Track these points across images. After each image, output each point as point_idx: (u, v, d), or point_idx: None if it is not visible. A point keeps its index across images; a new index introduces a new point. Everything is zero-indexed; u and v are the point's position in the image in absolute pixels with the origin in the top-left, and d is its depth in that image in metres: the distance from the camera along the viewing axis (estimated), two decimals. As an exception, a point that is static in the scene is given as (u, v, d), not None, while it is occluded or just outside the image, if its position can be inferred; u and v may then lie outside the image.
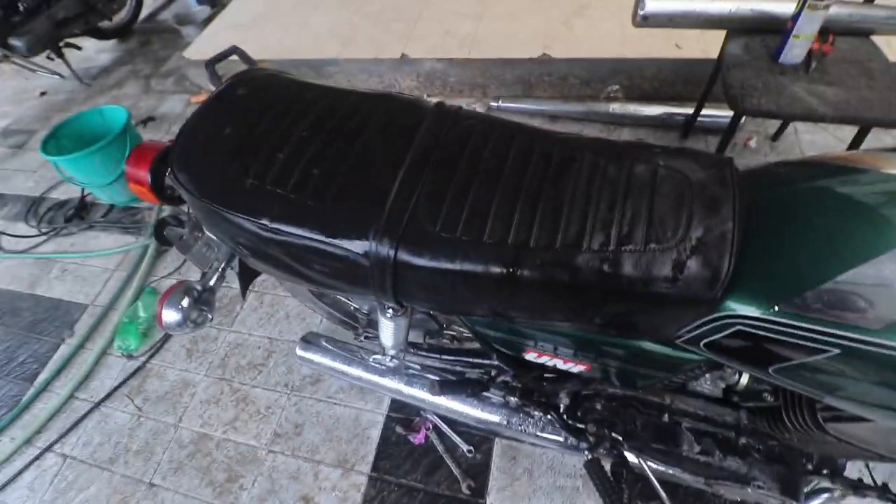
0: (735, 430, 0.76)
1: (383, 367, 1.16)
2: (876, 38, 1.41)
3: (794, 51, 1.33)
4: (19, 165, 2.53)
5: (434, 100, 0.71)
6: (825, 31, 1.30)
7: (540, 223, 0.55)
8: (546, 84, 2.10)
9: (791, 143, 1.91)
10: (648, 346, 0.62)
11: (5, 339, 1.81)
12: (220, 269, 0.82)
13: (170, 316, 0.75)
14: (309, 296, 1.21)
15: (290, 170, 0.63)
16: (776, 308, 0.48)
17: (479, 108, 2.18)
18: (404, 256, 0.57)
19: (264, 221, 0.61)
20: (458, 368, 1.03)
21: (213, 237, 0.85)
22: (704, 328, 0.53)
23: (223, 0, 3.07)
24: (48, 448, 1.51)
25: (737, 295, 0.50)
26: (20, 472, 1.48)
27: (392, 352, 0.94)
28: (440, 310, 0.65)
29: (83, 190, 2.17)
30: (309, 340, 1.26)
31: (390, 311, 0.72)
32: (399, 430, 1.35)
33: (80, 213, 2.15)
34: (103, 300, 1.82)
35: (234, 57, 0.97)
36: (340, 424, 1.40)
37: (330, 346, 1.23)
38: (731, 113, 1.34)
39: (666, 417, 0.79)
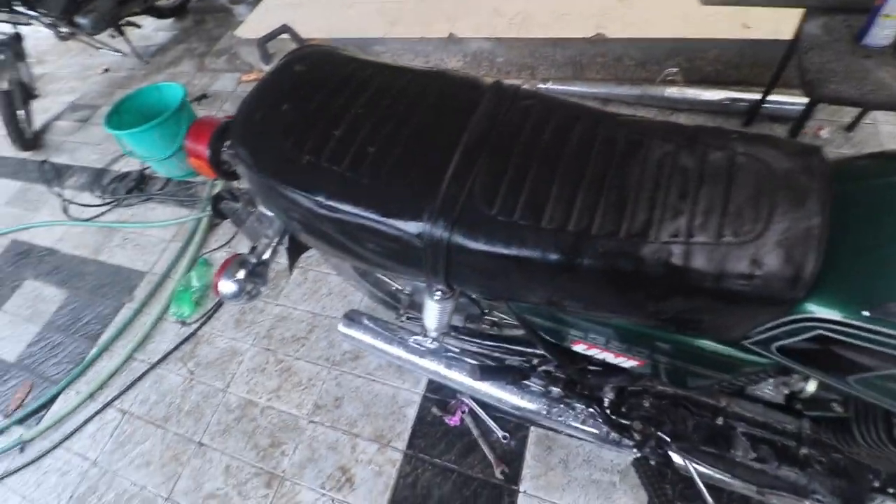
0: (796, 440, 0.72)
1: (423, 349, 1.18)
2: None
3: (882, 31, 1.21)
4: (85, 138, 2.68)
5: (491, 79, 0.69)
6: (922, 10, 1.17)
7: (603, 210, 0.53)
8: (599, 65, 2.01)
9: (868, 135, 1.76)
10: (711, 345, 0.59)
11: (73, 300, 1.95)
12: (272, 244, 0.84)
13: (226, 287, 0.78)
14: (352, 273, 1.23)
15: (345, 147, 0.63)
16: (865, 313, 0.44)
17: (527, 91, 2.11)
18: (458, 239, 0.56)
19: (319, 198, 0.62)
20: (498, 354, 1.03)
21: (267, 212, 0.87)
22: (779, 330, 0.50)
23: (274, -22, 3.10)
24: (109, 403, 1.63)
25: (820, 296, 0.47)
26: (84, 424, 1.61)
27: (434, 334, 0.95)
28: (492, 295, 0.65)
29: (143, 163, 2.28)
30: (351, 318, 1.29)
31: (438, 293, 0.72)
32: (435, 411, 1.36)
33: (139, 185, 2.27)
34: (160, 269, 1.93)
35: (285, 35, 0.98)
36: (378, 401, 1.43)
37: (371, 325, 1.25)
38: (802, 100, 1.24)
39: (720, 420, 0.75)
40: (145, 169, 2.30)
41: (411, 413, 1.39)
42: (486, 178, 0.58)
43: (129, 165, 2.36)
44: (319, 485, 1.33)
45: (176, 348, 1.70)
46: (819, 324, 0.47)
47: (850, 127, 1.74)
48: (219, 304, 1.76)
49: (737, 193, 0.51)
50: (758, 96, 1.67)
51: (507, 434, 1.29)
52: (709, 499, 0.76)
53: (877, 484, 0.72)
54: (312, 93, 0.70)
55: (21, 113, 2.60)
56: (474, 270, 0.59)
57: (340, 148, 0.63)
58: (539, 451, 1.26)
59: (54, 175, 2.45)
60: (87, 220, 2.19)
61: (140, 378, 1.66)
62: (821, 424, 0.70)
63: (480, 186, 0.57)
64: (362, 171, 0.61)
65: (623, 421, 0.82)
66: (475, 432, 1.31)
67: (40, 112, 2.81)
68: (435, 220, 0.57)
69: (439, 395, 1.40)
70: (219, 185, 2.08)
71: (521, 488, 1.22)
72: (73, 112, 2.91)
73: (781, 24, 1.64)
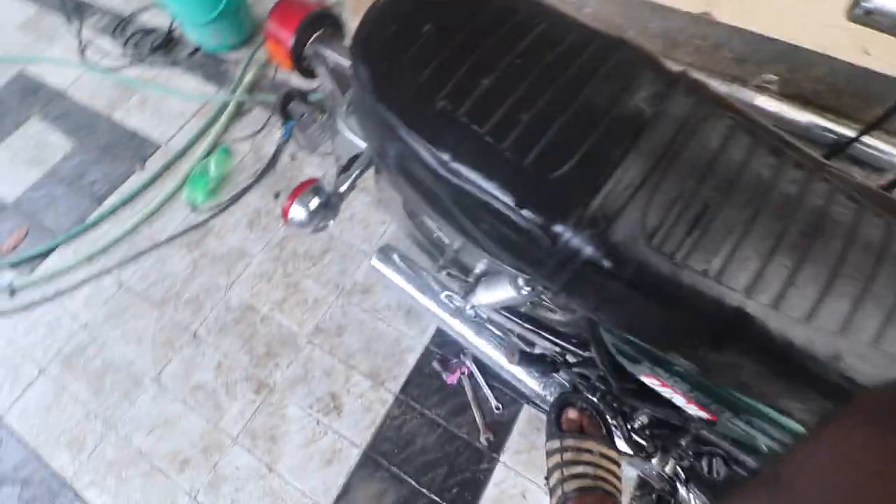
0: None
1: (453, 306, 1.14)
2: None
3: None
4: (112, -27, 2.41)
5: (678, 67, 0.58)
6: None
7: (802, 285, 0.45)
8: (692, 48, 1.83)
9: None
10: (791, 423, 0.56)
11: (80, 152, 1.84)
12: (353, 176, 0.76)
13: (297, 212, 0.71)
14: (398, 209, 1.16)
15: (493, 104, 0.53)
16: None
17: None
18: (604, 261, 0.48)
19: (444, 155, 0.53)
20: (535, 340, 0.99)
21: (355, 138, 0.78)
22: None
23: None
24: (108, 271, 1.59)
25: None
26: (79, 285, 1.58)
27: (476, 303, 0.91)
28: (599, 318, 0.59)
29: (172, 22, 2.07)
30: (386, 253, 1.23)
31: (527, 288, 0.66)
32: (435, 365, 1.36)
33: (165, 46, 2.07)
34: (177, 144, 1.81)
35: None
36: (380, 340, 1.42)
37: (404, 265, 1.20)
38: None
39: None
40: (173, 29, 2.09)
41: (411, 360, 1.39)
42: (664, 201, 0.48)
43: (156, 22, 2.14)
44: (308, 404, 1.35)
45: (183, 233, 1.64)
46: None
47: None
48: (234, 198, 1.68)
49: (878, 285, 0.45)
50: (849, 132, 1.55)
51: (500, 405, 1.30)
52: None
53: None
54: (465, 19, 0.58)
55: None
56: (605, 298, 0.52)
57: (486, 103, 0.53)
58: (528, 430, 1.28)
59: (74, 8, 2.22)
60: (105, 69, 2.02)
61: (142, 253, 1.61)
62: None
63: (657, 212, 0.48)
64: (507, 141, 0.51)
65: (642, 442, 0.81)
66: (469, 395, 1.32)
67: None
68: (583, 228, 0.48)
69: (442, 350, 1.39)
70: (254, 71, 1.91)
71: (502, 458, 1.25)
72: (101, -62, 2.59)
73: (903, 60, 1.49)
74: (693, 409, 0.63)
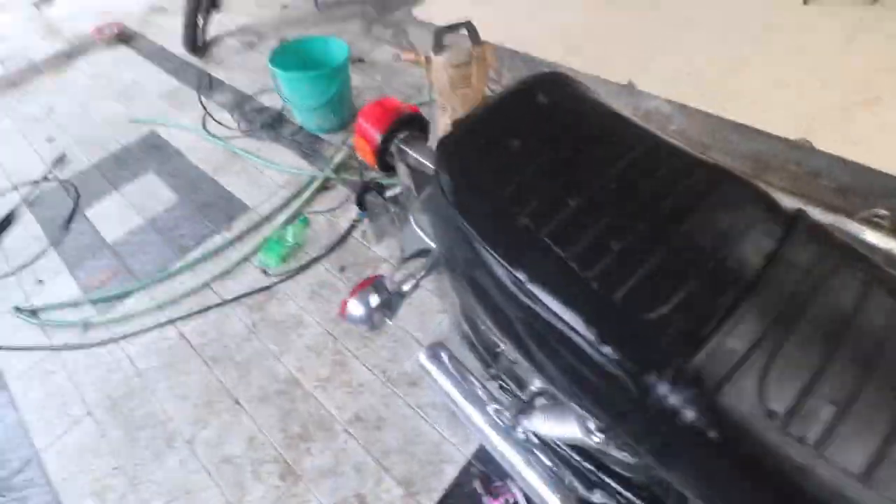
0: None
1: (500, 424, 1.03)
2: None
3: None
4: (244, 62, 2.80)
5: (795, 205, 0.52)
6: None
7: None
8: (787, 174, 1.74)
9: None
10: None
11: (180, 208, 2.02)
12: (417, 278, 0.74)
13: (356, 308, 0.69)
14: (457, 307, 1.11)
15: (579, 228, 0.49)
16: None
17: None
18: (709, 429, 0.39)
19: (520, 275, 0.48)
20: (592, 480, 0.85)
21: (426, 238, 0.77)
22: None
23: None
24: (173, 321, 1.65)
25: None
26: (144, 332, 1.64)
27: (530, 429, 0.80)
28: (696, 494, 0.49)
29: (283, 105, 2.32)
30: (435, 351, 1.16)
31: (599, 434, 0.57)
32: (476, 486, 1.21)
33: (274, 124, 2.31)
34: (263, 211, 1.93)
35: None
36: (420, 441, 1.31)
37: (453, 368, 1.12)
38: None
39: None
40: (284, 109, 2.35)
41: (450, 473, 1.25)
42: (789, 367, 0.40)
43: (271, 101, 2.41)
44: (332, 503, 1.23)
45: (249, 294, 1.68)
46: None
47: None
48: (302, 268, 1.72)
49: None
50: None
51: (546, 550, 1.11)
52: None
53: None
54: (554, 137, 0.57)
55: (200, 19, 2.76)
56: (699, 467, 0.43)
57: (573, 226, 0.49)
58: (577, 591, 1.07)
59: (207, 86, 2.58)
60: (220, 138, 2.27)
61: (208, 309, 1.66)
62: None
63: (779, 378, 0.40)
64: (594, 270, 0.46)
65: None
66: (511, 529, 1.15)
67: (215, 24, 2.97)
68: (684, 386, 0.40)
69: (486, 467, 1.24)
70: (343, 152, 2.06)
71: None
72: (242, 34, 3.06)
73: None
74: None
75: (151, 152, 2.29)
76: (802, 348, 0.41)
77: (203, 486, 1.29)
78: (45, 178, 2.23)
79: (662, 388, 0.41)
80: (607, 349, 0.43)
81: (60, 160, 2.31)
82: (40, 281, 1.83)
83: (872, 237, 1.56)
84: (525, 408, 0.82)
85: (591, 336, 0.44)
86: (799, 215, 0.51)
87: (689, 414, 0.40)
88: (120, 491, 1.31)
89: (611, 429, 0.50)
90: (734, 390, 0.39)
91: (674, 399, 0.40)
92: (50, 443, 1.42)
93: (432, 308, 1.58)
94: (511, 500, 1.17)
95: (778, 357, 0.41)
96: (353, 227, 1.83)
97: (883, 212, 1.58)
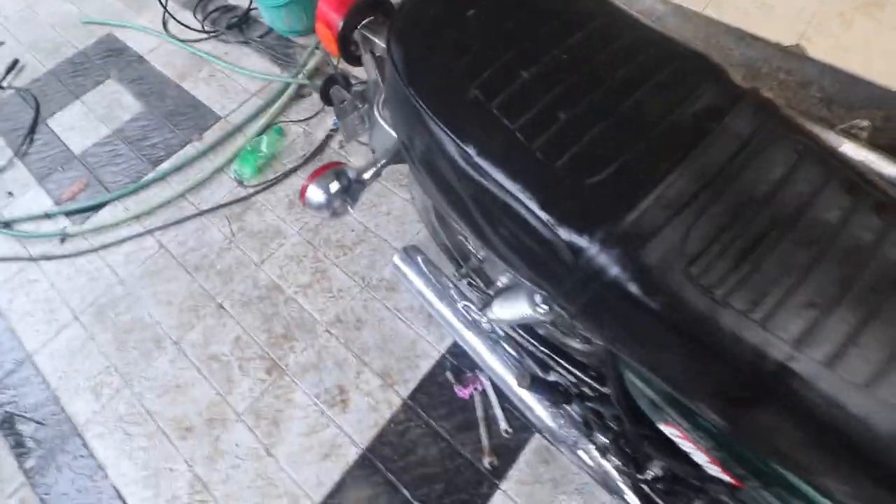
0: None
1: (469, 318, 1.09)
2: None
3: None
4: (204, -46, 2.53)
5: (746, 83, 0.51)
6: None
7: (867, 346, 0.38)
8: (776, 83, 1.70)
9: None
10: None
11: (146, 116, 1.93)
12: (378, 165, 0.73)
13: (314, 194, 0.69)
14: (430, 210, 1.12)
15: (529, 99, 0.49)
16: None
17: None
18: (630, 285, 0.42)
19: (469, 150, 0.49)
20: (550, 366, 0.93)
21: (387, 126, 0.75)
22: None
23: None
24: (151, 231, 1.65)
25: None
26: (123, 241, 1.64)
27: (493, 317, 0.85)
28: (626, 356, 0.53)
29: (251, 3, 2.14)
30: (409, 253, 1.19)
31: (544, 307, 0.61)
32: (448, 376, 1.31)
33: (241, 24, 2.15)
34: (235, 119, 1.86)
35: None
36: (397, 340, 1.39)
37: (426, 269, 1.16)
38: None
39: None
40: (252, 9, 2.17)
41: (424, 366, 1.34)
42: (711, 227, 0.42)
43: (237, 0, 2.22)
44: (315, 394, 1.33)
45: (226, 205, 1.67)
46: None
47: None
48: (278, 179, 1.70)
49: None
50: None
51: (510, 429, 1.23)
52: None
53: None
54: (512, 8, 0.55)
55: None
56: (624, 324, 0.47)
57: (523, 97, 0.49)
58: (535, 460, 1.20)
59: (165, -18, 2.35)
60: (182, 41, 2.11)
61: (186, 219, 1.66)
62: None
63: (700, 238, 0.42)
64: (539, 140, 0.47)
65: (651, 494, 0.73)
66: (479, 413, 1.26)
67: None
68: (611, 245, 0.43)
69: (458, 361, 1.33)
70: (317, 57, 1.94)
71: (503, 486, 1.18)
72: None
73: None
74: (715, 471, 0.54)
75: (110, 57, 2.13)
76: (728, 210, 0.43)
77: (193, 381, 1.38)
78: (0, 87, 2.09)
79: (592, 249, 0.43)
80: (545, 215, 0.45)
81: (13, 66, 2.15)
82: (10, 193, 1.79)
83: (850, 149, 1.57)
84: (490, 301, 0.86)
85: (531, 204, 0.46)
86: (749, 91, 0.51)
87: (614, 270, 0.43)
88: (115, 386, 1.39)
89: (552, 298, 0.54)
90: (657, 247, 0.42)
91: (601, 259, 0.43)
92: (41, 345, 1.48)
93: (411, 217, 1.60)
94: (479, 388, 1.28)
95: (703, 217, 0.43)
96: (329, 136, 1.78)
97: (864, 122, 1.56)
